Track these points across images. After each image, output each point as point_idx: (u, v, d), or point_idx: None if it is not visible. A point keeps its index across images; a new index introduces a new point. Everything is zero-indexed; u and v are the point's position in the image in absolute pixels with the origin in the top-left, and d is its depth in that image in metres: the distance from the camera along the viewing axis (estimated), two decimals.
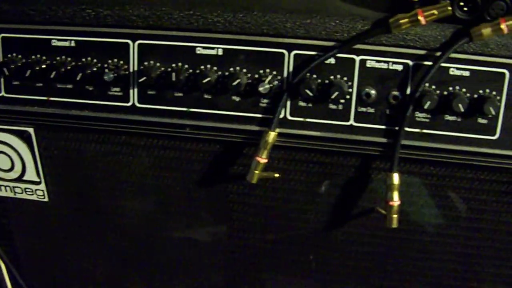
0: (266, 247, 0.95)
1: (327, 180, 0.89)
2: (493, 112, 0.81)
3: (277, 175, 0.87)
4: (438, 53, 0.81)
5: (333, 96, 0.81)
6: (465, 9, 0.81)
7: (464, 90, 0.82)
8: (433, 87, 0.82)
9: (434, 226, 0.91)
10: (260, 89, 0.82)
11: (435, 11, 0.79)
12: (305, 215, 0.92)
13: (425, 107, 0.81)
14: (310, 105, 0.84)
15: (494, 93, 0.82)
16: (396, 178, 0.84)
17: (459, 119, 0.83)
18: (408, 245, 0.92)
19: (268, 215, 0.93)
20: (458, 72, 0.82)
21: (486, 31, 0.79)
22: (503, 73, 0.82)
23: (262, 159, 0.84)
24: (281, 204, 0.91)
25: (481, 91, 0.82)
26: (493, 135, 0.84)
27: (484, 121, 0.83)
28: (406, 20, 0.79)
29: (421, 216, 0.91)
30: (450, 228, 0.91)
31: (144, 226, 0.98)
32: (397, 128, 0.83)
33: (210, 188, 0.92)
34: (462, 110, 0.81)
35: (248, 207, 0.92)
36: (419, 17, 0.79)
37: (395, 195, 0.84)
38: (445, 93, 0.82)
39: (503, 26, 0.78)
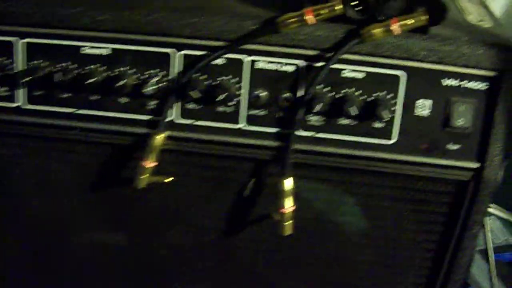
0: (167, 253, 0.90)
1: (251, 180, 0.84)
2: (388, 116, 0.76)
3: (167, 179, 0.82)
4: (330, 54, 0.76)
5: (220, 98, 0.76)
6: (358, 8, 0.76)
7: (358, 92, 0.78)
8: (326, 89, 0.78)
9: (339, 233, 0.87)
10: (145, 90, 0.77)
11: (323, 11, 0.75)
12: (202, 220, 0.87)
13: (316, 110, 0.76)
14: (199, 107, 0.79)
15: (389, 95, 0.77)
16: (288, 183, 0.79)
17: (353, 123, 0.79)
18: (306, 252, 0.88)
19: (165, 220, 0.88)
20: (351, 74, 0.77)
21: (377, 31, 0.75)
22: (398, 76, 0.77)
23: (149, 164, 0.79)
24: (177, 209, 0.87)
25: (376, 94, 0.77)
26: (389, 139, 0.79)
27: (379, 125, 0.79)
28: (293, 19, 0.75)
29: (324, 223, 0.86)
30: (350, 235, 0.86)
31: (48, 230, 0.93)
32: (288, 131, 0.78)
33: (103, 192, 0.87)
34: (355, 113, 0.76)
35: (143, 212, 0.87)
36: (306, 17, 0.74)
37: (288, 202, 0.79)
38: (339, 95, 0.78)
39: (394, 27, 0.74)
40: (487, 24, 0.82)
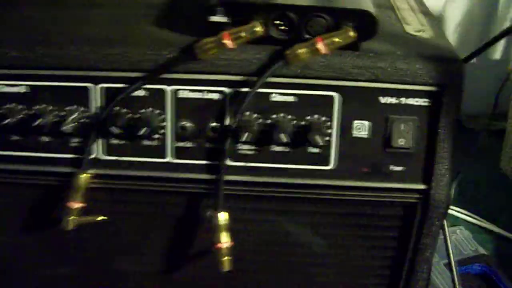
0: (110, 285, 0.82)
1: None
2: (322, 140, 0.67)
3: (99, 218, 0.73)
4: (256, 79, 0.66)
5: (141, 132, 0.67)
6: (282, 28, 0.66)
7: (290, 117, 0.68)
8: (255, 116, 0.68)
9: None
10: (64, 128, 0.68)
11: (243, 33, 0.65)
12: (139, 257, 0.78)
13: (245, 138, 0.67)
14: (123, 142, 0.70)
15: (324, 118, 0.68)
16: (222, 217, 0.70)
17: (287, 150, 0.69)
18: (252, 284, 0.78)
19: (103, 259, 0.79)
20: (281, 98, 0.68)
21: (302, 52, 0.65)
22: (331, 96, 0.68)
23: (76, 204, 0.70)
24: (114, 247, 0.78)
25: (309, 118, 0.68)
26: (328, 164, 0.70)
27: (316, 150, 0.69)
28: (212, 44, 0.65)
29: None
30: (298, 265, 0.77)
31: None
32: (218, 163, 0.69)
33: (37, 232, 0.78)
34: (286, 140, 0.67)
35: (80, 250, 0.79)
36: (225, 41, 0.64)
37: (224, 236, 0.70)
38: (269, 121, 0.68)
39: (319, 45, 0.64)
40: (426, 34, 0.72)
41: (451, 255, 0.92)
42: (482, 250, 1.04)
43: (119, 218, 0.76)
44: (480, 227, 1.12)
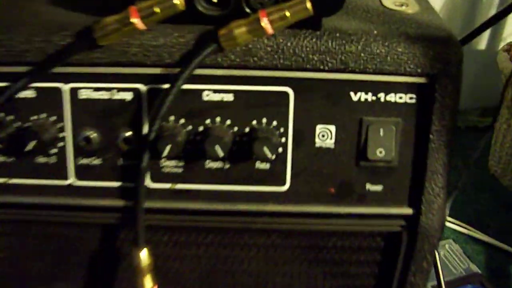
0: None
1: None
2: (271, 153, 0.42)
3: None
4: (180, 71, 0.41)
5: (30, 147, 0.43)
6: (215, 0, 0.41)
7: (228, 122, 0.43)
8: (183, 121, 0.43)
9: None
10: None
11: (157, 8, 0.40)
12: None
13: (168, 152, 0.42)
14: (10, 160, 0.45)
15: (274, 122, 0.43)
16: (144, 256, 0.45)
17: (226, 166, 0.44)
18: None
19: None
20: (216, 97, 0.43)
21: (241, 32, 0.41)
22: (284, 93, 0.43)
23: None
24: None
25: (254, 122, 0.43)
26: (282, 184, 0.45)
27: (261, 166, 0.45)
28: (115, 25, 0.40)
29: None
30: None
31: None
32: (135, 185, 0.44)
33: None
34: (222, 154, 0.42)
35: None
36: (133, 20, 0.40)
37: (147, 281, 0.45)
38: (201, 129, 0.43)
39: (264, 22, 0.39)
40: (410, 9, 0.48)
41: (441, 279, 0.68)
42: (474, 268, 0.80)
43: (18, 256, 0.51)
44: (469, 236, 0.87)
